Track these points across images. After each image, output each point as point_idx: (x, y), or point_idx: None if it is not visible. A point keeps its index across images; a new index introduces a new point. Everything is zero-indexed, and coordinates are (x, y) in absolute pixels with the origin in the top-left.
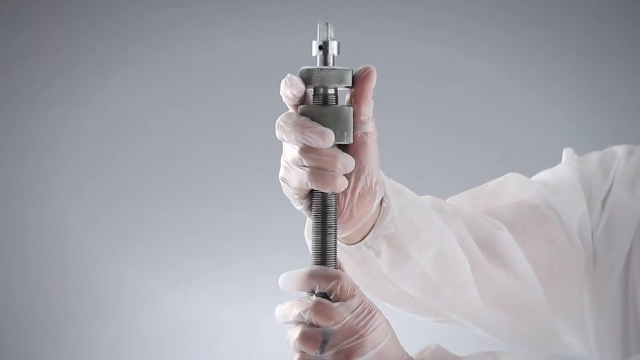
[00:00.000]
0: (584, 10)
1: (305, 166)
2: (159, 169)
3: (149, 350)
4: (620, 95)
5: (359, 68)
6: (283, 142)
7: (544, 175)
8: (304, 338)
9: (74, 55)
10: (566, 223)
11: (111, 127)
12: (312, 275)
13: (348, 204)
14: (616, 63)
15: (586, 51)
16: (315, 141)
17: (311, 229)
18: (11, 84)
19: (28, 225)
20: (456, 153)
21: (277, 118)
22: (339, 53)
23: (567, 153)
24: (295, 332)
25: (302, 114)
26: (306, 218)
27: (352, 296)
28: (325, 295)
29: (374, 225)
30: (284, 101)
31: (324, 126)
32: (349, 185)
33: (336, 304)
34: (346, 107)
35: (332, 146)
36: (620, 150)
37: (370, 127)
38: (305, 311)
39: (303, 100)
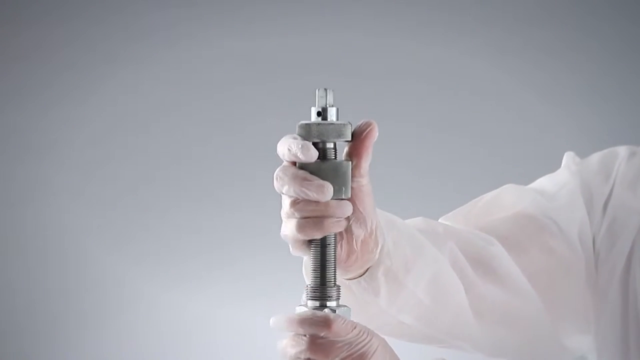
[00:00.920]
0: (584, 10)
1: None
2: (159, 169)
3: (149, 350)
4: (620, 95)
5: (360, 122)
6: (282, 195)
7: (542, 181)
8: None
9: (74, 55)
10: (565, 230)
11: (111, 127)
12: (301, 322)
13: (352, 253)
14: (616, 63)
15: (586, 51)
16: (314, 195)
17: (309, 266)
18: (11, 84)
19: (28, 225)
20: (456, 153)
21: (277, 118)
22: (337, 119)
23: (567, 157)
24: None
25: (301, 167)
26: None
27: (347, 334)
28: None
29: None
30: (281, 156)
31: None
32: (351, 235)
33: (330, 340)
34: (345, 162)
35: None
36: (622, 151)
37: (366, 180)
38: (300, 352)
39: None
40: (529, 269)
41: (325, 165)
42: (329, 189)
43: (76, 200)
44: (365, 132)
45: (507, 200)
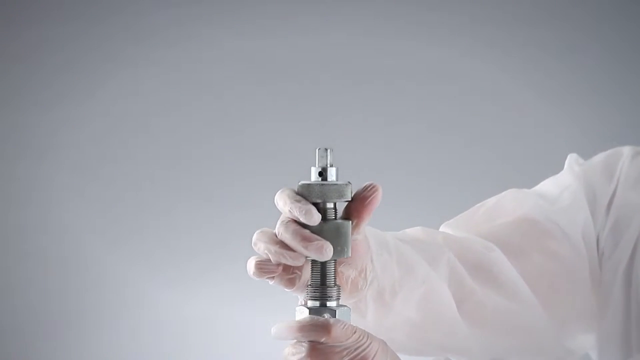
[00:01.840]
0: (584, 10)
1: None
2: (159, 169)
3: (149, 350)
4: (620, 95)
5: (365, 185)
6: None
7: (545, 184)
8: None
9: (74, 55)
10: (568, 232)
11: (111, 127)
12: (301, 329)
13: (342, 290)
14: (616, 63)
15: (586, 51)
16: (313, 255)
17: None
18: (11, 84)
19: (28, 225)
20: (456, 153)
21: (277, 118)
22: (337, 179)
23: (570, 159)
24: None
25: (302, 227)
26: None
27: (347, 339)
28: None
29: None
30: (282, 210)
31: None
32: (341, 275)
33: (330, 345)
34: (346, 223)
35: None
36: (626, 151)
37: (362, 235)
38: (301, 359)
39: None
40: (530, 274)
41: (327, 226)
42: (329, 249)
43: (76, 200)
44: (370, 198)
45: (509, 205)
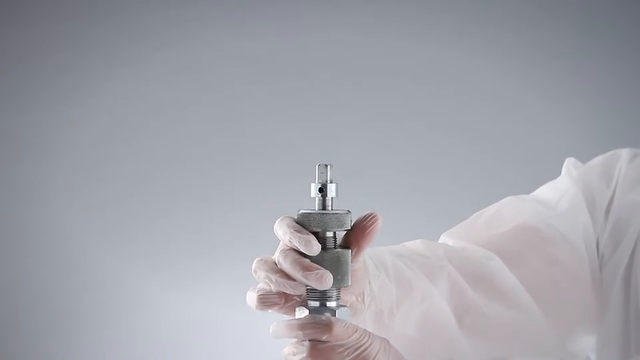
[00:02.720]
0: (584, 10)
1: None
2: (159, 169)
3: (149, 350)
4: (620, 95)
5: (365, 215)
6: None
7: (543, 190)
8: None
9: (74, 55)
10: (568, 237)
11: (111, 127)
12: (301, 326)
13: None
14: (616, 63)
15: (586, 51)
16: (313, 284)
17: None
18: (11, 84)
19: (28, 225)
20: (456, 153)
21: (278, 118)
22: (337, 195)
23: (567, 163)
24: None
25: (302, 256)
26: None
27: (348, 337)
28: None
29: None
30: (282, 239)
31: None
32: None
33: (331, 344)
34: (346, 252)
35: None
36: (624, 153)
37: (361, 262)
38: (302, 358)
39: None
40: (531, 281)
41: (328, 255)
42: (329, 279)
43: (76, 200)
44: (370, 228)
45: (508, 213)
